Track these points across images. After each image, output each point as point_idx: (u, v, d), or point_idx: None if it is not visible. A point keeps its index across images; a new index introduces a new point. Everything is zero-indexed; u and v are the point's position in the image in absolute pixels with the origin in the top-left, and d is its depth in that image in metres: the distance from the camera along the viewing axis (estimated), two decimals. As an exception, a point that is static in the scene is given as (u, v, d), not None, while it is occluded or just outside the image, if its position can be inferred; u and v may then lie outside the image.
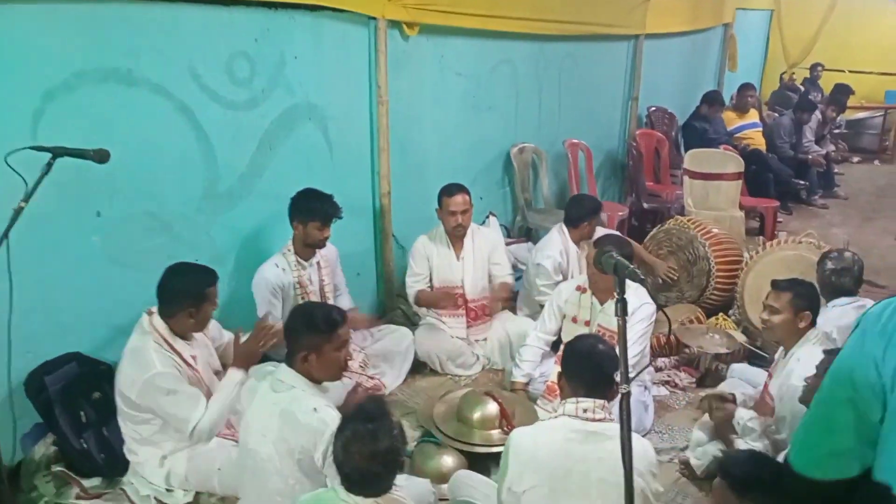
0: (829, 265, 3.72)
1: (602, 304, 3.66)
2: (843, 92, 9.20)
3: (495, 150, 5.59)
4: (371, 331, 4.09)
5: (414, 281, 4.18)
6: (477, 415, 3.33)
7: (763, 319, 3.18)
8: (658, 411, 3.80)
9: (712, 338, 4.11)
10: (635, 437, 2.09)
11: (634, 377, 1.62)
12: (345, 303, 3.97)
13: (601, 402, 2.31)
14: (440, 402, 3.55)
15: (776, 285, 3.16)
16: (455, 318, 4.21)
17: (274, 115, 3.76)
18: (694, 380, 4.11)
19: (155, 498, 2.89)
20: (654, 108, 7.74)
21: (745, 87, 8.16)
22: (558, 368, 2.60)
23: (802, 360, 2.91)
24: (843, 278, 3.69)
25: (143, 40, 3.13)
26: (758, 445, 2.89)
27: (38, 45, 2.80)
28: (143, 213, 3.27)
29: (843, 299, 3.65)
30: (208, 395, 2.89)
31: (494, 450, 3.07)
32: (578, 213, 4.35)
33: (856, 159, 10.30)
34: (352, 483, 2.03)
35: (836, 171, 8.83)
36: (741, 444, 2.97)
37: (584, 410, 2.29)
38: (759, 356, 4.14)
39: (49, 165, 2.36)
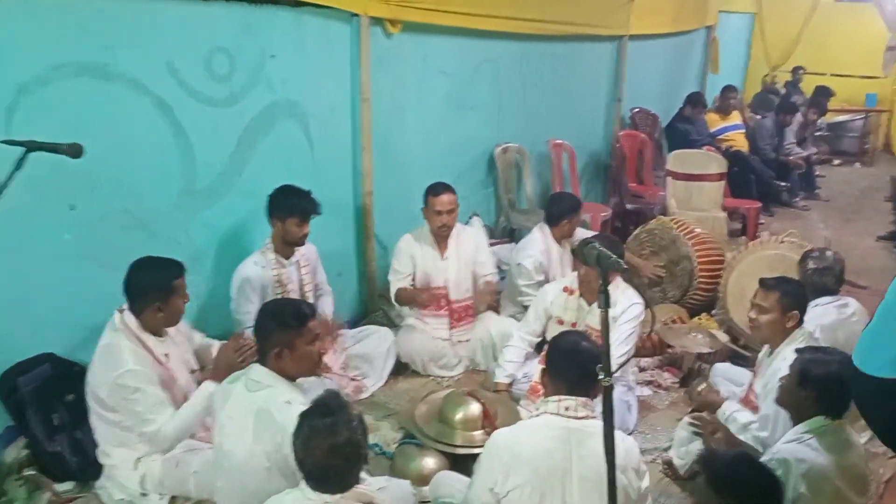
0: (811, 264, 3.72)
1: (590, 304, 3.63)
2: (823, 94, 9.28)
3: (479, 149, 5.56)
4: (352, 332, 4.05)
5: (396, 279, 4.14)
6: (459, 415, 3.29)
7: (751, 318, 3.16)
8: (641, 411, 3.78)
9: (695, 337, 4.10)
10: (620, 435, 2.07)
11: (617, 370, 1.60)
12: (327, 304, 3.93)
13: (583, 399, 2.29)
14: (422, 403, 3.51)
15: (764, 284, 3.14)
16: (438, 319, 4.18)
17: (254, 111, 3.71)
18: (677, 380, 4.10)
19: (129, 502, 2.83)
20: (637, 110, 7.76)
21: (728, 89, 8.20)
22: (542, 368, 2.57)
23: (789, 359, 2.90)
24: (825, 277, 3.69)
25: (121, 34, 3.07)
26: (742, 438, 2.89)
27: (12, 38, 2.74)
28: (119, 211, 3.20)
29: (825, 298, 3.64)
30: (182, 394, 2.84)
31: (477, 451, 3.00)
32: (559, 211, 4.33)
33: (836, 162, 10.39)
34: (315, 480, 2.00)
35: (817, 173, 8.91)
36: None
37: (567, 408, 2.27)
38: (741, 356, 4.14)
39: (21, 160, 2.29)
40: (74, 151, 2.41)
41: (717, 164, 6.16)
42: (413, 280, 4.16)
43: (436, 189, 4.05)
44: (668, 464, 3.27)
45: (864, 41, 10.54)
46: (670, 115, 7.85)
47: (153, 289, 2.80)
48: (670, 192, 6.13)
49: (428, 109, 4.90)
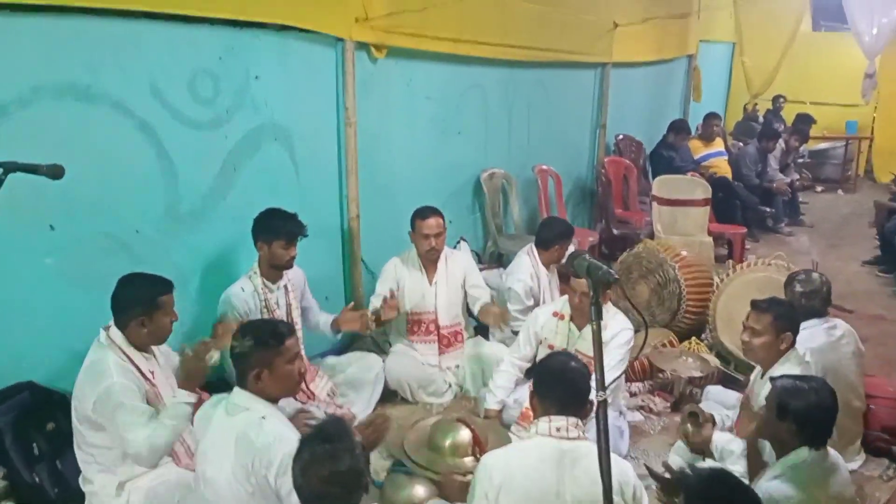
0: (798, 287, 3.68)
1: (581, 329, 3.60)
2: (804, 121, 9.41)
3: (465, 174, 5.56)
4: (339, 358, 3.99)
5: (375, 298, 4.05)
6: (448, 441, 3.20)
7: (744, 341, 3.12)
8: (633, 437, 3.74)
9: (686, 361, 4.08)
10: (614, 457, 2.02)
11: (611, 384, 1.56)
12: (324, 320, 3.87)
13: (574, 420, 2.25)
14: (411, 431, 3.43)
15: (757, 306, 3.11)
16: (427, 345, 4.13)
17: (238, 134, 3.68)
18: (668, 404, 4.05)
19: (111, 533, 2.73)
20: (621, 137, 7.81)
21: (711, 117, 8.30)
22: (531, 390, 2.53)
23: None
24: (812, 300, 3.65)
25: (103, 55, 3.05)
26: (738, 469, 2.82)
27: (-8, 58, 2.70)
28: (101, 234, 3.15)
29: (813, 321, 3.60)
30: None
31: (468, 478, 2.96)
32: (549, 236, 4.32)
33: (819, 189, 10.49)
34: None
35: (800, 200, 8.98)
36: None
37: (558, 429, 2.24)
38: (732, 379, 4.10)
39: (0, 181, 2.24)
40: (55, 173, 2.36)
41: (702, 190, 6.19)
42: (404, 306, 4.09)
43: (423, 213, 4.01)
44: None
45: (844, 69, 10.69)
46: (654, 142, 7.90)
47: (137, 302, 2.74)
48: (656, 217, 6.15)
49: (414, 134, 4.89)
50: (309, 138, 4.08)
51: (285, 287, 3.63)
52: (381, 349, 4.34)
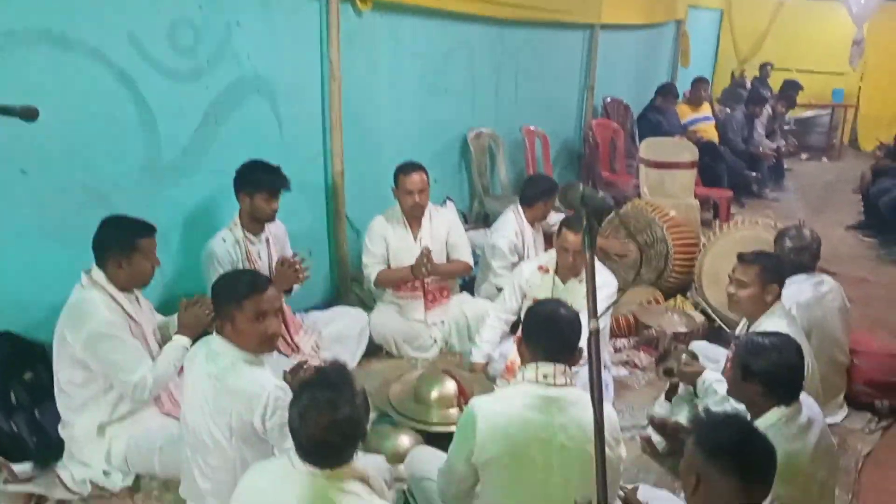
0: (788, 243, 3.68)
1: (564, 282, 3.59)
2: (792, 87, 9.39)
3: (452, 133, 5.50)
4: (324, 313, 3.97)
5: (373, 262, 4.04)
6: (434, 393, 3.20)
7: (730, 293, 3.10)
8: (618, 391, 3.75)
9: (671, 317, 4.09)
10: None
11: (603, 314, 1.53)
12: None
13: (562, 367, 2.22)
14: (396, 383, 3.42)
15: (743, 259, 3.08)
16: (413, 301, 4.10)
17: (220, 86, 3.58)
18: (653, 359, 4.05)
19: (91, 482, 2.72)
20: (609, 99, 7.76)
21: (699, 81, 8.25)
22: (519, 337, 2.51)
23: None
24: (802, 255, 3.66)
25: (79, 1, 2.94)
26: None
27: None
28: (77, 185, 3.06)
29: (801, 276, 3.62)
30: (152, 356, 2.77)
31: (452, 428, 2.95)
32: (534, 193, 4.29)
33: (804, 156, 10.48)
34: (307, 453, 1.88)
35: (785, 166, 8.98)
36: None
37: (545, 376, 2.21)
38: (718, 334, 4.11)
39: (-29, 125, 2.18)
40: (28, 114, 2.27)
41: (689, 152, 6.16)
42: (388, 263, 4.07)
43: (406, 168, 3.96)
44: (648, 441, 3.23)
45: (831, 37, 10.67)
46: (642, 106, 7.86)
47: (114, 242, 2.71)
48: (643, 180, 6.12)
49: (400, 91, 4.81)
50: (292, 92, 4.00)
51: (267, 240, 3.58)
52: (366, 304, 4.31)
